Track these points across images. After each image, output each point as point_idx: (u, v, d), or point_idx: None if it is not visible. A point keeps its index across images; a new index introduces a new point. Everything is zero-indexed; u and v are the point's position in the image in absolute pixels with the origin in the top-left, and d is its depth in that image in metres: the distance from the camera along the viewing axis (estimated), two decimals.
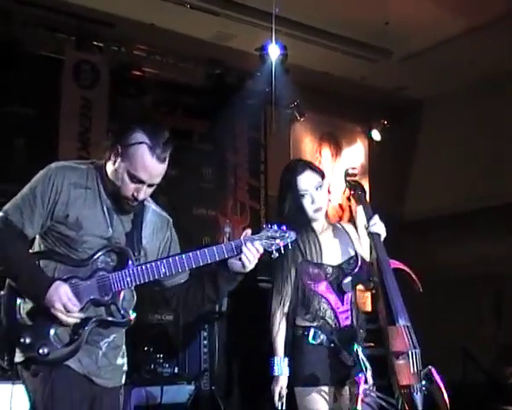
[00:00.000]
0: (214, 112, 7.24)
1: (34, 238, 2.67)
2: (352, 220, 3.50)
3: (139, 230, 2.71)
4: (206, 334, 5.33)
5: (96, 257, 2.60)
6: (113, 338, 2.70)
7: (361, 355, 3.07)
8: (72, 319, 2.52)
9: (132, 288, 2.72)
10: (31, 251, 2.67)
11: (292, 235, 2.72)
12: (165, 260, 2.63)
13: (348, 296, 3.32)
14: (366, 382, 3.00)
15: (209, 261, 2.63)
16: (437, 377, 2.96)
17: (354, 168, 3.54)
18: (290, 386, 3.32)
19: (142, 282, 2.61)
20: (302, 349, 3.27)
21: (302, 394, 3.24)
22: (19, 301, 2.55)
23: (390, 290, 3.16)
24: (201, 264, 2.64)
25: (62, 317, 2.49)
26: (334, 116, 8.42)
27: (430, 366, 2.99)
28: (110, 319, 2.62)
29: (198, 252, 2.63)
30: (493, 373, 6.84)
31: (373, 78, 7.89)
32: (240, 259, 2.64)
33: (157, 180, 2.61)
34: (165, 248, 2.82)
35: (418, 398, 2.95)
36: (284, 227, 2.73)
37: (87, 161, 2.75)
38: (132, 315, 2.67)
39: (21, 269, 2.53)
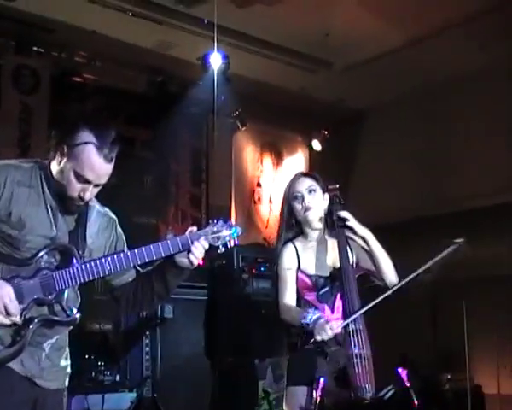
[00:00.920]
0: (156, 120, 7.23)
1: None
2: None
3: (83, 229, 2.67)
4: (147, 341, 5.30)
5: (39, 256, 2.55)
6: (56, 339, 2.66)
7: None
8: (9, 322, 2.47)
9: (76, 287, 2.69)
10: None
11: (238, 229, 2.74)
12: (109, 258, 2.60)
13: (339, 306, 3.35)
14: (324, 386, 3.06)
15: (154, 257, 2.62)
16: (404, 379, 3.07)
17: (335, 184, 3.60)
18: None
19: (86, 280, 2.57)
20: (293, 352, 3.37)
21: (292, 393, 3.30)
22: None
23: (347, 295, 3.26)
24: (147, 260, 2.62)
25: (1, 318, 2.44)
26: (275, 126, 8.50)
27: (399, 368, 3.10)
28: (54, 318, 2.58)
29: (143, 248, 2.61)
30: (430, 379, 6.98)
31: (313, 88, 7.98)
32: (187, 256, 2.63)
33: (104, 180, 2.58)
34: (111, 248, 2.78)
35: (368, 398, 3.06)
36: (230, 222, 2.76)
37: (31, 160, 2.71)
38: (77, 314, 2.63)
39: None
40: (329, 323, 3.09)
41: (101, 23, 6.45)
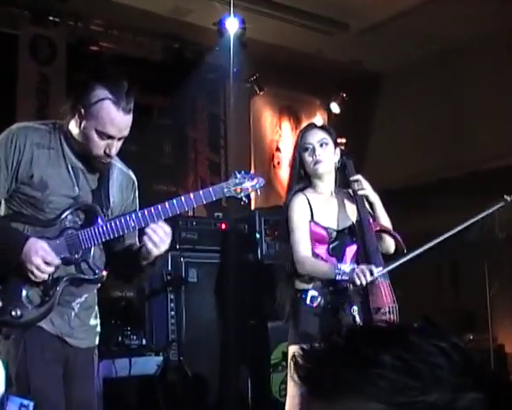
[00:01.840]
0: (173, 87, 7.19)
1: None
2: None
3: (106, 187, 2.70)
4: (172, 305, 5.34)
5: (63, 216, 2.58)
6: (85, 298, 2.70)
7: (357, 317, 3.11)
8: (45, 275, 2.49)
9: (101, 245, 2.70)
10: None
11: (260, 180, 2.74)
12: (133, 214, 2.62)
13: (347, 260, 3.33)
14: None
15: (178, 211, 2.63)
16: None
17: (342, 138, 3.58)
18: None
19: (111, 237, 2.60)
20: (299, 311, 3.27)
21: (295, 351, 3.24)
22: None
23: (370, 248, 3.24)
24: (170, 215, 2.62)
25: (37, 272, 2.47)
26: (292, 90, 8.43)
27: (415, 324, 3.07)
28: (82, 276, 2.62)
29: (166, 203, 2.61)
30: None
31: (330, 51, 7.91)
32: (146, 243, 2.58)
33: (126, 132, 2.59)
34: (127, 208, 2.79)
35: None
36: (252, 173, 2.76)
37: (48, 121, 2.73)
38: (104, 271, 2.66)
39: None
40: (370, 267, 3.09)
41: None
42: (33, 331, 2.54)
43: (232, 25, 6.62)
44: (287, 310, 3.32)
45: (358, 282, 3.06)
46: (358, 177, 3.40)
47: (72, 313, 2.65)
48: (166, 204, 2.61)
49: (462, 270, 7.76)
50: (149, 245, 2.55)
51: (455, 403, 0.78)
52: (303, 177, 3.45)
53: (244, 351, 5.68)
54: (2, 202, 2.64)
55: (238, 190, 2.69)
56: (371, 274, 3.06)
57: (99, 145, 2.55)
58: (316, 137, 3.41)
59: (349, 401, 0.79)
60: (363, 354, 0.79)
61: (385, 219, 3.44)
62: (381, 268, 3.14)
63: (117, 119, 2.53)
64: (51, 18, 6.51)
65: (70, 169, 2.62)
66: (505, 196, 3.15)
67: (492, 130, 7.47)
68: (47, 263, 2.47)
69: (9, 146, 2.56)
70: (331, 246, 3.33)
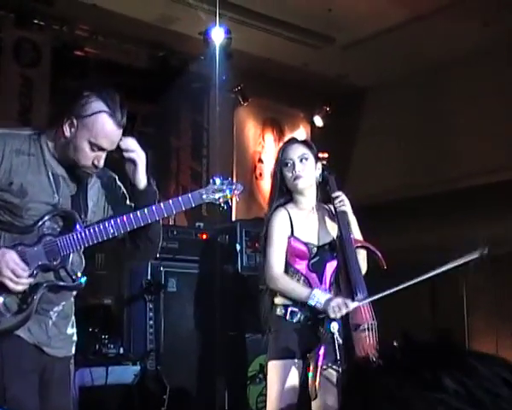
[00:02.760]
0: (158, 95, 7.19)
1: None
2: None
3: (84, 192, 2.68)
4: (151, 314, 5.31)
5: (41, 223, 2.55)
6: (62, 307, 2.67)
7: (336, 333, 3.09)
8: (20, 286, 2.47)
9: (81, 252, 2.69)
10: None
11: (239, 186, 2.74)
12: (112, 220, 2.60)
13: (327, 276, 3.33)
14: (325, 356, 3.04)
15: (157, 218, 2.63)
16: None
17: (324, 153, 3.58)
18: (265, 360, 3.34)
19: (90, 244, 2.59)
20: (280, 326, 3.27)
21: (276, 367, 3.23)
22: None
23: (351, 265, 3.24)
24: (150, 221, 2.63)
25: (10, 284, 2.45)
26: (277, 102, 8.46)
27: (394, 341, 3.06)
28: (61, 283, 2.59)
29: (145, 210, 2.61)
30: None
31: (316, 64, 7.94)
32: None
33: (115, 146, 2.60)
34: (117, 202, 2.77)
35: None
36: (231, 179, 2.75)
37: (27, 128, 2.72)
38: (82, 278, 2.63)
39: None
40: (345, 301, 3.09)
41: None
42: (10, 340, 2.51)
43: (218, 35, 6.64)
44: (267, 324, 3.31)
45: (333, 316, 3.07)
46: (340, 193, 3.40)
47: (50, 322, 2.62)
48: (145, 210, 2.61)
49: (439, 289, 7.81)
50: (132, 166, 2.63)
51: None
52: (284, 192, 3.44)
53: (222, 362, 5.66)
54: None
55: (217, 196, 2.69)
56: (346, 307, 3.08)
57: (88, 156, 2.55)
58: (296, 152, 3.41)
59: None
60: (422, 375, 0.75)
61: (359, 238, 3.47)
62: (356, 303, 3.14)
63: (111, 132, 2.54)
64: (36, 21, 6.47)
65: (50, 176, 2.60)
66: (479, 248, 3.17)
67: (475, 146, 7.53)
68: (18, 275, 2.44)
69: None
70: (311, 262, 3.32)
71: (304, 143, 3.52)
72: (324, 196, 3.53)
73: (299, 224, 3.36)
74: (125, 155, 2.63)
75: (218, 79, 6.94)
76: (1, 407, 2.39)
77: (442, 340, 0.82)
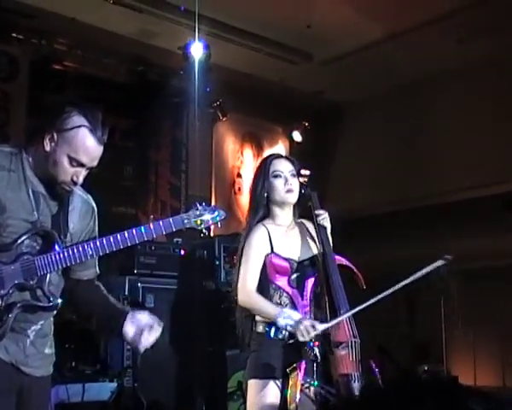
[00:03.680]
0: (137, 109, 7.19)
1: None
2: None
3: (66, 214, 2.65)
4: None
5: (20, 241, 2.51)
6: (41, 326, 2.64)
7: (317, 352, 3.07)
8: None
9: (60, 272, 2.66)
10: None
11: (221, 213, 2.74)
12: (92, 243, 2.58)
13: (307, 292, 3.32)
14: (306, 373, 3.03)
15: (137, 241, 2.61)
16: (375, 371, 3.05)
17: (305, 170, 3.59)
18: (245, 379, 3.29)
19: (68, 264, 2.56)
20: (261, 344, 3.23)
21: (256, 385, 3.19)
22: None
23: (333, 283, 3.23)
24: (129, 244, 2.60)
25: None
26: (256, 117, 8.50)
27: (371, 361, 3.08)
28: (36, 303, 2.56)
29: (125, 232, 2.59)
30: (407, 371, 7.03)
31: (294, 80, 7.98)
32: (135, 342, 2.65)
33: (95, 163, 2.58)
34: (86, 236, 2.74)
35: (356, 387, 3.02)
36: (213, 206, 2.76)
37: (8, 145, 2.69)
38: (59, 299, 2.61)
39: None
40: (313, 324, 3.06)
41: (81, 10, 6.38)
42: None
43: (197, 50, 6.66)
44: (246, 341, 3.30)
45: (301, 339, 3.04)
46: (323, 211, 3.42)
47: (28, 341, 2.59)
48: (126, 233, 2.58)
49: (417, 301, 7.86)
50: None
51: None
52: (264, 204, 3.42)
53: (200, 379, 5.64)
54: None
55: (198, 222, 2.69)
56: (314, 329, 3.05)
57: (67, 171, 2.53)
58: (286, 167, 3.42)
59: None
60: None
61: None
62: (325, 325, 3.11)
63: (91, 147, 2.52)
64: (15, 35, 6.45)
65: (30, 193, 2.57)
66: (446, 256, 3.20)
67: (452, 162, 7.61)
68: None
69: None
70: (292, 277, 3.30)
71: (289, 159, 3.53)
72: (302, 212, 3.54)
73: (279, 240, 3.34)
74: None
75: (198, 93, 6.95)
76: None
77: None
